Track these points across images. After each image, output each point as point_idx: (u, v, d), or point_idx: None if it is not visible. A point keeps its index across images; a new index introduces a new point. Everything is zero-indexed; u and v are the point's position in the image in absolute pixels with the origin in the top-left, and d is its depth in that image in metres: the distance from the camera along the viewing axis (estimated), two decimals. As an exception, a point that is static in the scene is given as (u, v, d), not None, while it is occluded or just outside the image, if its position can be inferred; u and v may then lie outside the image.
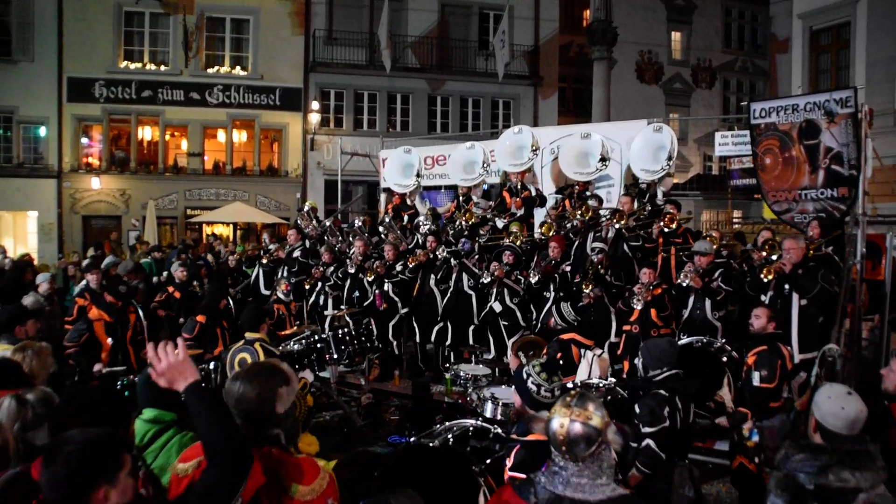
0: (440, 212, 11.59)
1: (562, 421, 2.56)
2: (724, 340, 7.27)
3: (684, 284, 7.68)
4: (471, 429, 5.57)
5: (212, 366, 6.82)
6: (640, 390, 4.66)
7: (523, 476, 3.21)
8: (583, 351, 5.99)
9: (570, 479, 2.49)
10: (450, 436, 5.42)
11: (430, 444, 5.28)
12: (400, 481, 5.18)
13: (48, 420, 3.01)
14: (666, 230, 8.75)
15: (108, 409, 2.75)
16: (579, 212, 9.49)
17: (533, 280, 8.79)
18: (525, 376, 3.52)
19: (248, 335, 5.87)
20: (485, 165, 11.84)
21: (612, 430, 2.60)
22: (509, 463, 3.43)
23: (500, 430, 5.40)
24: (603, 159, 10.40)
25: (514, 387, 3.63)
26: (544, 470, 2.61)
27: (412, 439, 5.60)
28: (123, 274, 9.82)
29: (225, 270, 12.56)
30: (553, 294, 8.76)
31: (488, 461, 4.91)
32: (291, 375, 2.74)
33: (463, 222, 10.55)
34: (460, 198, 11.79)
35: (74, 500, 2.09)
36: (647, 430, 4.43)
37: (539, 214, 11.03)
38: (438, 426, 5.86)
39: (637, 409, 4.53)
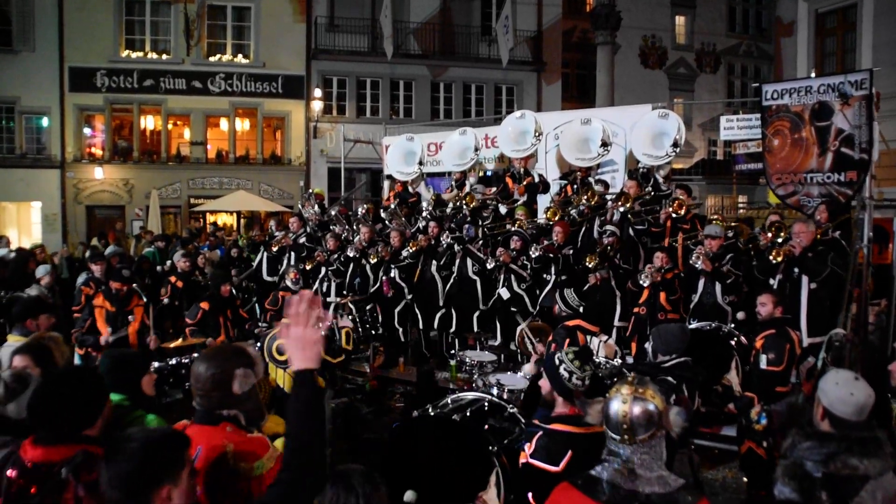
0: (445, 198, 11.53)
1: (625, 398, 2.52)
2: (732, 325, 7.24)
3: (697, 266, 7.64)
4: (486, 404, 5.56)
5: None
6: (647, 375, 4.63)
7: (547, 468, 3.16)
8: (588, 337, 5.95)
9: (637, 472, 2.44)
10: (468, 411, 5.40)
11: (451, 417, 5.27)
12: (412, 448, 5.22)
13: (23, 394, 3.04)
14: (674, 216, 8.69)
15: (84, 387, 2.73)
16: (585, 197, 9.44)
17: (533, 255, 8.74)
18: (557, 362, 3.47)
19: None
20: (476, 150, 11.78)
21: (674, 411, 2.53)
22: (529, 449, 3.38)
23: (516, 410, 5.37)
24: (604, 144, 10.31)
25: (544, 371, 3.58)
26: (605, 466, 2.54)
27: (428, 408, 5.57)
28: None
29: (227, 259, 12.56)
30: (554, 277, 8.72)
31: (505, 441, 4.90)
32: (255, 359, 2.79)
33: (464, 205, 10.50)
34: (454, 183, 11.74)
35: (137, 499, 2.05)
36: None
37: (542, 200, 10.98)
38: (450, 397, 5.82)
39: None
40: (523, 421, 5.01)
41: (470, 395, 5.78)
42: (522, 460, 3.43)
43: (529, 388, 4.35)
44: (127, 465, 2.03)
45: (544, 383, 3.57)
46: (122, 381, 3.40)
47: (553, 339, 5.96)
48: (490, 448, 4.70)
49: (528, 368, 6.02)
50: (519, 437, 4.72)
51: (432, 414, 5.42)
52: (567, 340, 5.74)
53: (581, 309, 6.18)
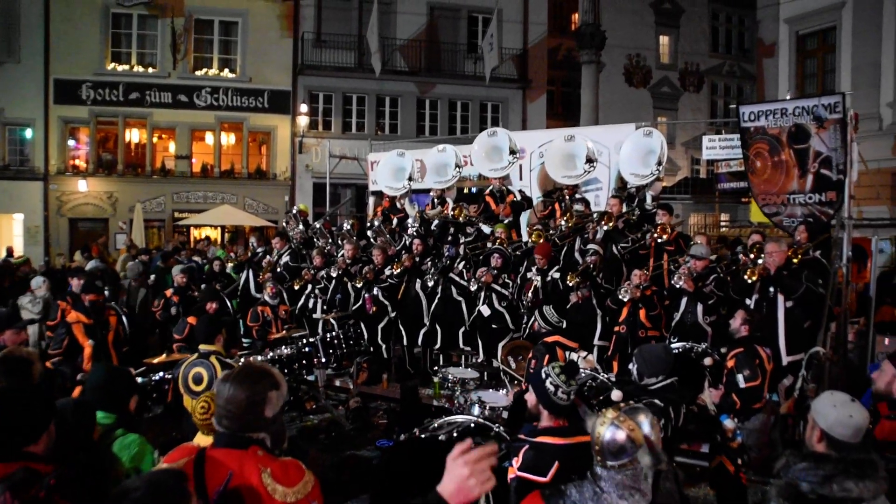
0: (429, 214, 11.52)
1: (603, 421, 2.53)
2: (706, 345, 7.28)
3: (677, 286, 7.70)
4: (472, 425, 5.59)
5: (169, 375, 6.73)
6: (633, 397, 4.65)
7: (532, 478, 3.19)
8: (568, 353, 5.99)
9: (603, 496, 2.42)
10: (454, 432, 5.43)
11: (436, 438, 5.30)
12: (399, 472, 5.22)
13: None
14: (659, 240, 8.73)
15: (26, 403, 2.70)
16: (563, 218, 9.47)
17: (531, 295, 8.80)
18: (544, 376, 3.52)
19: (203, 348, 5.38)
20: (457, 168, 11.79)
21: (644, 450, 2.50)
22: (516, 463, 3.44)
23: (501, 429, 5.40)
24: (589, 161, 10.34)
25: (530, 385, 3.64)
26: (581, 482, 2.55)
27: (415, 431, 5.60)
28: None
29: (210, 274, 12.49)
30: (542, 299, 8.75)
31: None
32: (281, 380, 2.71)
33: (451, 217, 10.48)
34: (435, 200, 11.74)
35: None
36: None
37: (524, 218, 11.00)
38: (437, 420, 5.86)
39: None
40: (508, 439, 5.03)
41: (459, 419, 5.83)
42: (511, 475, 3.47)
43: (514, 404, 4.37)
44: None
45: (530, 397, 3.63)
46: (113, 398, 3.36)
47: (533, 356, 5.99)
48: None
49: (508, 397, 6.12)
50: (505, 454, 4.74)
51: (420, 435, 5.46)
52: (546, 357, 5.78)
53: (562, 325, 6.22)
